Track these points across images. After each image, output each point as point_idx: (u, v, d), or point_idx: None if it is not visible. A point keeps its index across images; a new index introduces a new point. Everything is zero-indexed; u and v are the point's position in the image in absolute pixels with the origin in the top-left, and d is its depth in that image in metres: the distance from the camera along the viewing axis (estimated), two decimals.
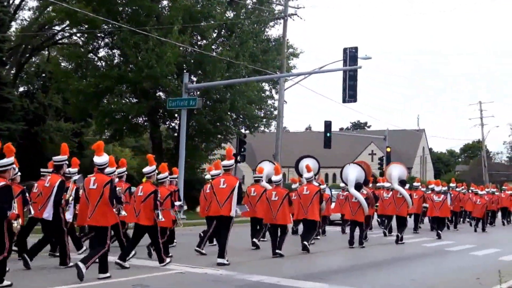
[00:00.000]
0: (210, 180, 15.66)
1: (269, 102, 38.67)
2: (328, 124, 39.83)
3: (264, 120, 38.51)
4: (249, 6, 35.35)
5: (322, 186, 19.82)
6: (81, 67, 31.92)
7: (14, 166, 10.40)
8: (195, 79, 33.70)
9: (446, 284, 12.21)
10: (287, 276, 11.92)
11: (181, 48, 30.01)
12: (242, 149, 34.59)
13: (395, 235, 20.87)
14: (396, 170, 22.05)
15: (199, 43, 33.80)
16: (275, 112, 36.70)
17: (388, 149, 47.26)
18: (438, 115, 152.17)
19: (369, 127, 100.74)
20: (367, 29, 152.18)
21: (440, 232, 23.06)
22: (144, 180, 16.42)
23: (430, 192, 25.52)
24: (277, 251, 15.28)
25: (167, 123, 36.84)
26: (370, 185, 23.52)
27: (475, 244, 20.97)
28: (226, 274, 12.02)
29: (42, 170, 14.50)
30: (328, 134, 39.65)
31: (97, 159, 11.29)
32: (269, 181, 17.40)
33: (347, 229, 22.99)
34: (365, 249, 18.32)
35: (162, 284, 10.69)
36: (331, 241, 20.98)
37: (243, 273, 12.12)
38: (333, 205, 24.11)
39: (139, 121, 35.42)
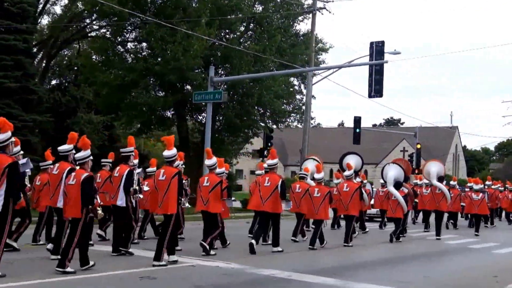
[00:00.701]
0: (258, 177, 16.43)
1: (298, 97, 38.56)
2: (357, 120, 39.47)
3: (293, 115, 38.37)
4: (278, 0, 35.14)
5: (363, 182, 20.85)
6: (109, 60, 32.09)
7: (91, 158, 11.07)
8: (222, 72, 33.67)
9: (461, 281, 11.96)
10: (300, 271, 11.81)
11: (208, 41, 29.94)
12: (269, 144, 34.47)
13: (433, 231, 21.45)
14: (434, 167, 22.78)
15: (226, 36, 33.74)
16: (304, 108, 36.58)
17: (418, 146, 46.58)
18: (473, 112, 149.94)
19: (402, 123, 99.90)
20: (397, 23, 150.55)
21: (477, 228, 23.70)
22: None
23: (468, 190, 26.06)
24: (310, 246, 15.98)
25: (194, 116, 36.86)
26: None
27: (500, 242, 20.65)
28: (238, 267, 11.96)
29: (102, 160, 15.27)
30: (357, 130, 39.30)
31: (166, 153, 12.14)
32: (312, 178, 18.03)
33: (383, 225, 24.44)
34: (385, 246, 18.30)
35: (170, 276, 10.63)
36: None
37: (255, 266, 12.05)
38: (372, 201, 24.52)
39: (167, 114, 35.52)
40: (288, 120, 38.05)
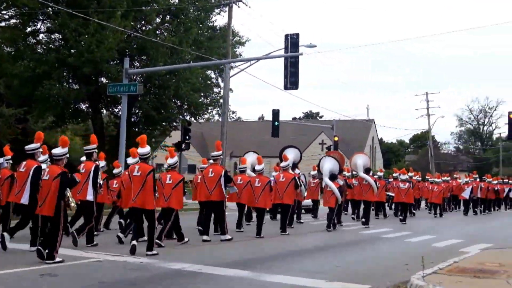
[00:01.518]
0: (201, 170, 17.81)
1: (216, 90, 38.44)
2: (276, 113, 39.58)
3: (211, 108, 38.27)
4: None
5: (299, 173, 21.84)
6: (19, 51, 30.93)
7: (67, 155, 11.76)
8: (138, 64, 33.05)
9: (372, 270, 12.00)
10: (211, 264, 11.59)
11: (123, 34, 29.24)
12: (187, 137, 34.09)
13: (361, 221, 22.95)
14: (360, 159, 24.45)
15: (142, 28, 33.14)
16: (222, 101, 36.41)
17: (336, 138, 47.32)
18: (388, 105, 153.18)
19: (321, 117, 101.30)
20: (317, 17, 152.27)
21: (405, 216, 25.15)
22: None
23: (392, 180, 27.37)
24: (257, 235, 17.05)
25: (110, 109, 36.10)
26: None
27: (412, 231, 21.11)
28: (147, 261, 11.64)
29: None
30: (276, 123, 39.43)
31: (140, 150, 13.08)
32: (253, 169, 19.44)
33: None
34: (299, 236, 18.56)
35: (73, 273, 10.20)
36: (269, 228, 20.83)
37: (165, 260, 11.77)
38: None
39: (81, 107, 34.62)
40: (206, 113, 37.87)
